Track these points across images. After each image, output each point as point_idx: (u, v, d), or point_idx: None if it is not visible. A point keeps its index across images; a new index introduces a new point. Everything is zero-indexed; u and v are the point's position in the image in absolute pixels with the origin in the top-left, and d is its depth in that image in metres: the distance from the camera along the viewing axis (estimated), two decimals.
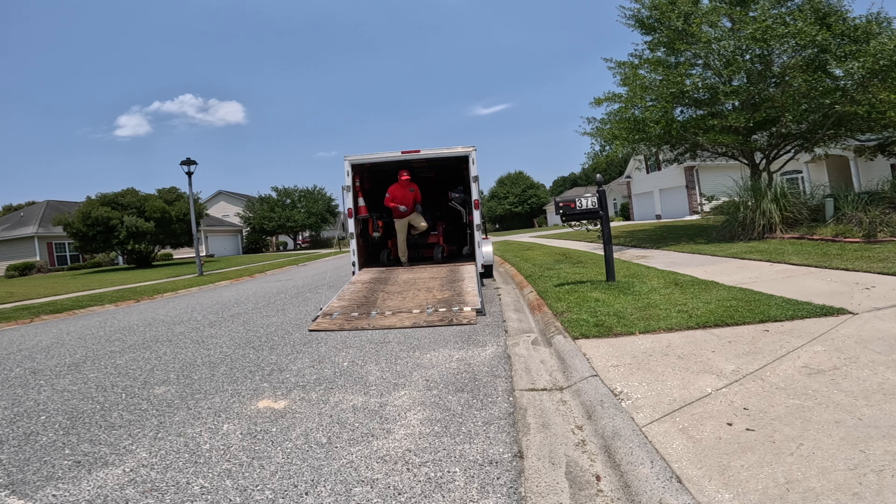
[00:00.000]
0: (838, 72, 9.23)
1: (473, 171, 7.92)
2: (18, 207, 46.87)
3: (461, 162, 8.54)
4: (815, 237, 8.44)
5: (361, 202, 8.64)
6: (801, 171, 18.32)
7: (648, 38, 11.98)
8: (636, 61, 12.01)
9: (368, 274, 7.97)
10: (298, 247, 47.46)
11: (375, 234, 9.32)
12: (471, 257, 8.68)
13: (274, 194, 46.15)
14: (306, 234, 49.36)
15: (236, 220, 46.55)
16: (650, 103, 10.97)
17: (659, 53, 11.81)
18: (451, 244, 10.17)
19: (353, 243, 8.17)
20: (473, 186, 7.95)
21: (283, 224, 43.86)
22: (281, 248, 47.60)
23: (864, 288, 4.39)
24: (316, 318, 5.50)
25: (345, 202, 8.21)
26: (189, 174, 17.07)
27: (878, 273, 5.00)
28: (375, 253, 9.91)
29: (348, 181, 8.06)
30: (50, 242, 29.77)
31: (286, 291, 9.42)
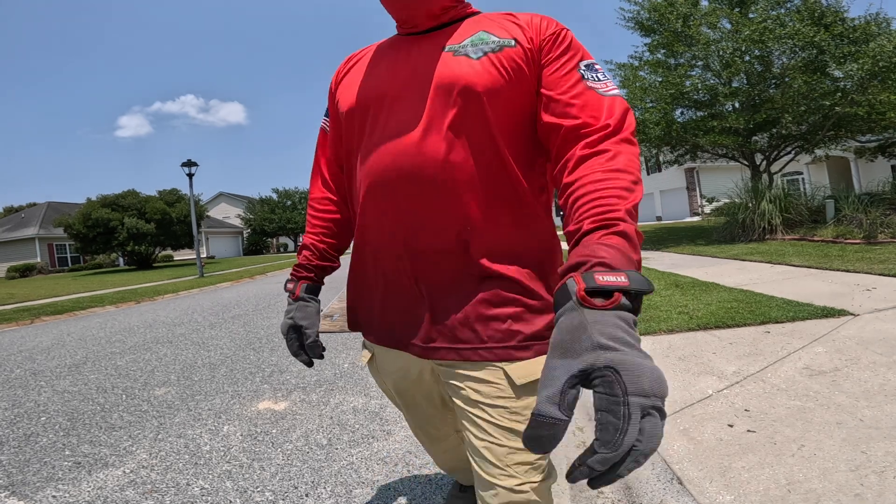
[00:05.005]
0: (838, 73, 9.24)
1: None
2: (19, 209, 46.93)
3: None
4: (815, 238, 8.44)
5: None
6: (801, 173, 18.33)
7: (648, 40, 12.01)
8: (636, 63, 12.03)
9: None
10: (299, 248, 47.51)
11: None
12: None
13: (275, 196, 46.18)
14: None
15: (237, 222, 46.58)
16: (650, 105, 10.99)
17: (658, 55, 11.83)
18: None
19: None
20: None
21: (284, 226, 43.88)
22: (282, 249, 47.61)
23: (865, 289, 4.39)
24: None
25: None
26: (190, 176, 17.08)
27: (879, 274, 5.00)
28: None
29: None
30: (51, 244, 29.80)
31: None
